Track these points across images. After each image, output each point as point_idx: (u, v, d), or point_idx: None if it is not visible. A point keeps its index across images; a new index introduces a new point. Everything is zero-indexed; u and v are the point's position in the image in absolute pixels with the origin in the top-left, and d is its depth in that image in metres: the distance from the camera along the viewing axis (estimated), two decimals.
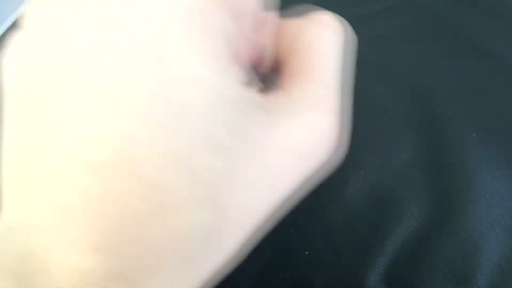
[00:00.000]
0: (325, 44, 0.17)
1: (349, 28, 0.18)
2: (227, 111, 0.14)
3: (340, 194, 0.27)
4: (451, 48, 0.47)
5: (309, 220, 0.26)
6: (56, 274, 0.13)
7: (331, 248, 0.25)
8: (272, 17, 0.18)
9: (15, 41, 0.15)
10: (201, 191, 0.13)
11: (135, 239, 0.13)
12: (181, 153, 0.13)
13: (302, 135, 0.15)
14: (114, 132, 0.13)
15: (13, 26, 0.49)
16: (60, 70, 0.13)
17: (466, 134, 0.34)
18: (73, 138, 0.13)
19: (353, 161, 0.28)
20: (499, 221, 0.28)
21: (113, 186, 0.13)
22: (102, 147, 0.13)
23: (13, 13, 0.51)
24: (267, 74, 0.18)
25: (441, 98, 0.38)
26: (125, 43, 0.13)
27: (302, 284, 0.24)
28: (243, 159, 0.14)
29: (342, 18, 0.18)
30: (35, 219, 0.13)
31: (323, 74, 0.17)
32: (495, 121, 0.36)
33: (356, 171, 0.28)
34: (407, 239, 0.26)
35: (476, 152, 0.32)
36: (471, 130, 0.34)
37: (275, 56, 0.18)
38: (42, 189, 0.13)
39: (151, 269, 0.13)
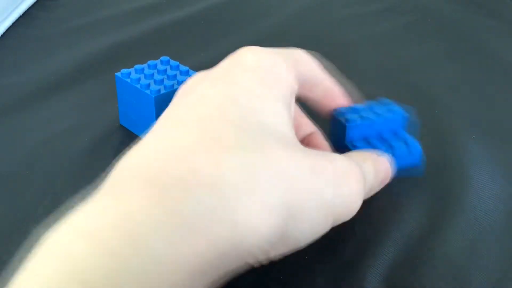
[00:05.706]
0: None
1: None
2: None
3: None
4: (451, 48, 0.47)
5: None
6: None
7: (331, 249, 0.25)
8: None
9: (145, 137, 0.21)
10: None
11: None
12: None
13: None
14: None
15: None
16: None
17: (466, 134, 0.34)
18: None
19: None
20: (498, 224, 0.28)
21: None
22: None
23: (12, 12, 0.51)
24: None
25: (441, 98, 0.38)
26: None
27: (302, 285, 0.24)
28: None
29: None
30: None
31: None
32: (495, 121, 0.36)
33: None
34: (407, 239, 0.26)
35: (475, 152, 0.32)
36: (471, 130, 0.34)
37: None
38: None
39: None
